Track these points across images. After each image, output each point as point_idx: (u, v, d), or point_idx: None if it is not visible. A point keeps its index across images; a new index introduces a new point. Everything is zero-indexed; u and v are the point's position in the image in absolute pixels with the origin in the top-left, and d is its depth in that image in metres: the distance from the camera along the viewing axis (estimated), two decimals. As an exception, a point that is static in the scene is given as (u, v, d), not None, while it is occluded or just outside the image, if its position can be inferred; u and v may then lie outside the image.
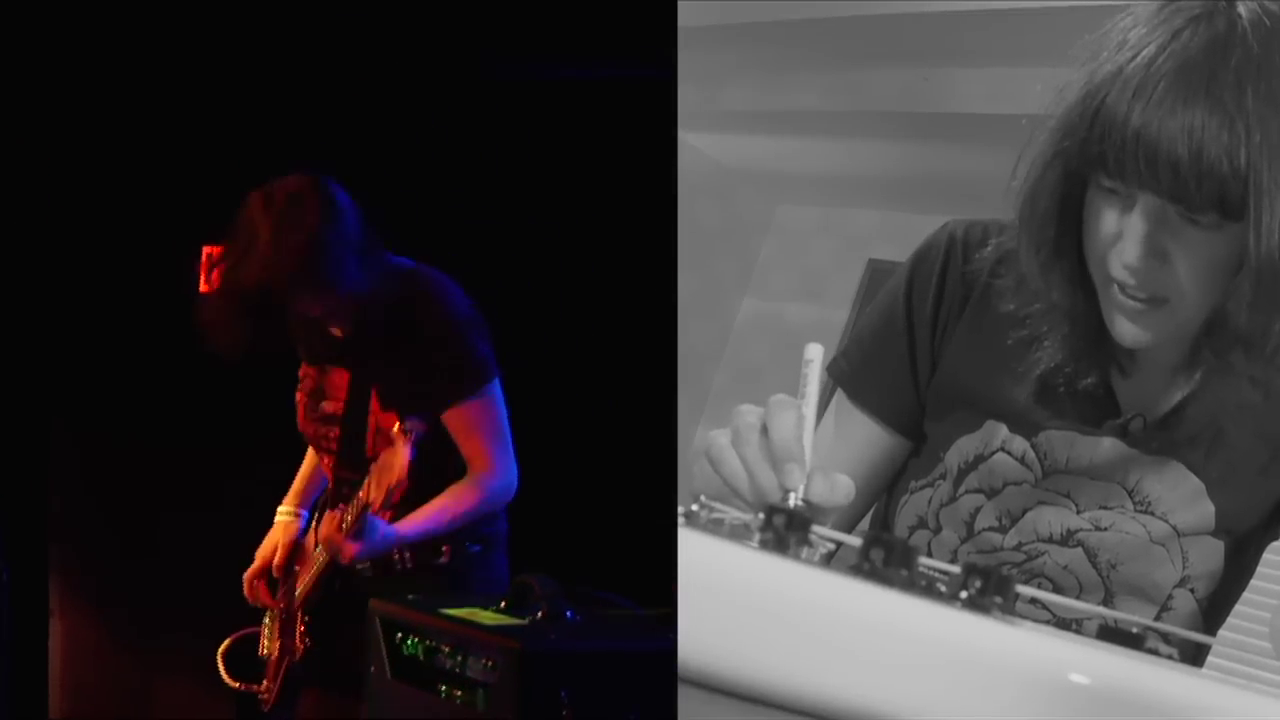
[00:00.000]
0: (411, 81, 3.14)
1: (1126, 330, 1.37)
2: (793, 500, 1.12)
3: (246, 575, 2.45)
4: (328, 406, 2.36)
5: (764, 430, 1.16)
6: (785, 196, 5.82)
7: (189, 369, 3.06)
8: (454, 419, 2.24)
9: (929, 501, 1.59)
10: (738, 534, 0.93)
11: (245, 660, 2.46)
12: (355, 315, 2.29)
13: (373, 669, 1.94)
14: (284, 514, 2.50)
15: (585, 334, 3.07)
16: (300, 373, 2.42)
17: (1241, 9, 1.25)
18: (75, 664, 3.47)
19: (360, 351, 2.31)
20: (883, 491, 1.68)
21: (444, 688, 1.80)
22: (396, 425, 2.12)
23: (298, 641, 2.35)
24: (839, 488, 1.15)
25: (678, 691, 0.78)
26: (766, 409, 1.16)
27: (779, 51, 4.52)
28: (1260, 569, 1.60)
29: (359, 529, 2.18)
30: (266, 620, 2.44)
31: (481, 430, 2.26)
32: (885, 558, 0.83)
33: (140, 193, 3.28)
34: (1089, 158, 1.28)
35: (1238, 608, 1.61)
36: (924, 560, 0.87)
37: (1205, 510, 1.51)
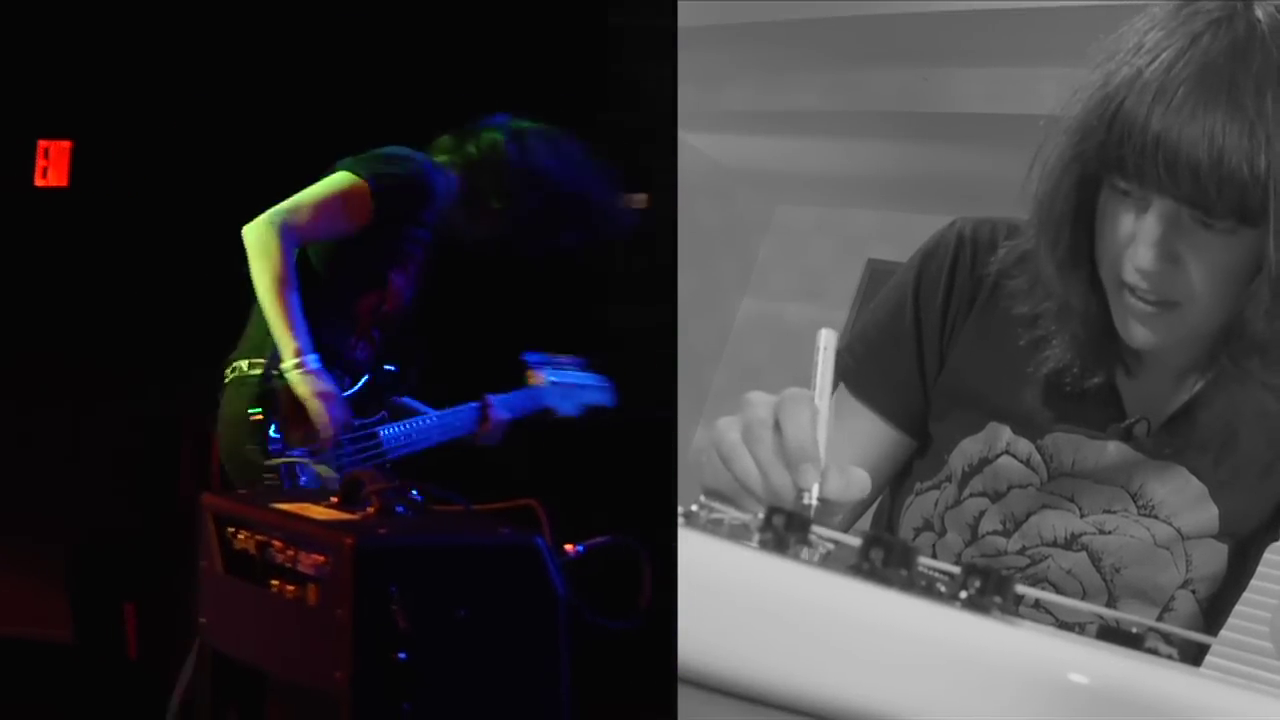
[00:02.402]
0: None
1: (1137, 332, 1.36)
2: (807, 500, 1.10)
3: None
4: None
5: (776, 426, 1.14)
6: (785, 196, 5.82)
7: (33, 262, 2.98)
8: None
9: (935, 504, 1.58)
10: (737, 534, 0.93)
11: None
12: None
13: (204, 563, 1.93)
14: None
15: (585, 333, 3.07)
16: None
17: (1259, 12, 1.24)
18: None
19: None
20: (884, 489, 1.67)
21: (276, 582, 1.79)
22: None
23: None
24: (854, 483, 1.13)
25: (678, 691, 0.78)
26: (779, 403, 1.14)
27: (779, 51, 4.52)
28: (1260, 569, 1.59)
29: None
30: None
31: None
32: (885, 558, 0.83)
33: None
34: (1107, 161, 1.28)
35: (1238, 608, 1.61)
36: (923, 560, 0.87)
37: (1209, 513, 1.50)
